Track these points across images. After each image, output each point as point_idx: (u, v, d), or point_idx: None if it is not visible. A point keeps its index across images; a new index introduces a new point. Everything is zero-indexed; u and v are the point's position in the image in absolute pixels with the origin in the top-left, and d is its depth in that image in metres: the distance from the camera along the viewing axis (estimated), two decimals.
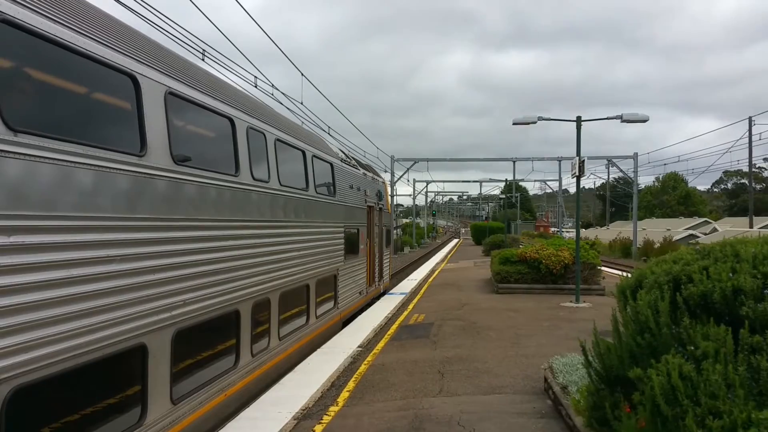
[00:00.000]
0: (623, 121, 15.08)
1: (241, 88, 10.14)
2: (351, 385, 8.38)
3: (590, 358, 4.94)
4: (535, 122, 15.76)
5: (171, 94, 6.13)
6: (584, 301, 15.55)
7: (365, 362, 9.70)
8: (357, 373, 9.02)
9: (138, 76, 5.54)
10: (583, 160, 14.18)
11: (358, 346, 10.90)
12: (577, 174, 14.42)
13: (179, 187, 6.19)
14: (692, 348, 3.60)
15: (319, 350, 10.66)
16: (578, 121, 15.08)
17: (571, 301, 15.58)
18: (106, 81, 5.32)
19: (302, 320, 10.66)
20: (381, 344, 11.16)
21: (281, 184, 9.29)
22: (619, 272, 27.45)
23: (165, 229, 5.89)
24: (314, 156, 11.56)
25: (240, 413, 7.31)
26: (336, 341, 11.48)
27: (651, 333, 4.07)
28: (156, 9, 9.98)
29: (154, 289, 5.62)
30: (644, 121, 15.15)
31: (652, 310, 4.14)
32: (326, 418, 6.97)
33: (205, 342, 7.04)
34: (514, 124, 16.11)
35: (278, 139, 9.48)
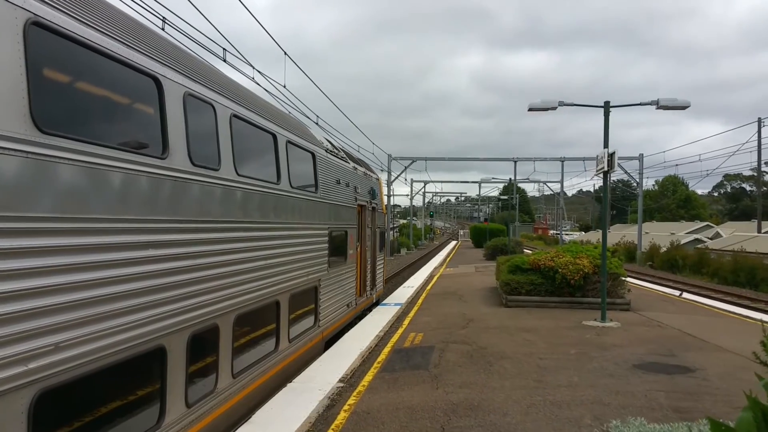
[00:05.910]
0: (659, 107, 12.88)
1: (207, 62, 7.93)
2: None
3: None
4: (555, 108, 13.49)
5: (37, 25, 3.95)
6: (610, 319, 13.22)
7: (345, 407, 7.41)
8: (333, 425, 6.74)
9: None
10: (613, 153, 11.91)
11: (339, 380, 8.63)
12: (605, 169, 12.12)
13: (52, 171, 4.04)
14: None
15: (288, 386, 8.38)
16: (606, 107, 12.81)
17: (595, 319, 13.19)
18: None
19: (269, 347, 8.49)
20: (368, 377, 8.88)
21: (239, 174, 7.13)
22: (639, 282, 25.33)
23: (16, 234, 3.74)
24: (289, 142, 9.36)
25: None
26: (312, 372, 9.21)
27: None
28: None
29: None
30: (684, 108, 12.96)
31: None
32: None
33: (105, 396, 4.88)
34: (529, 110, 13.86)
35: (236, 115, 7.28)
